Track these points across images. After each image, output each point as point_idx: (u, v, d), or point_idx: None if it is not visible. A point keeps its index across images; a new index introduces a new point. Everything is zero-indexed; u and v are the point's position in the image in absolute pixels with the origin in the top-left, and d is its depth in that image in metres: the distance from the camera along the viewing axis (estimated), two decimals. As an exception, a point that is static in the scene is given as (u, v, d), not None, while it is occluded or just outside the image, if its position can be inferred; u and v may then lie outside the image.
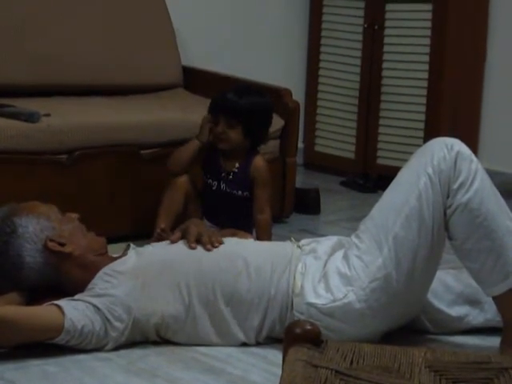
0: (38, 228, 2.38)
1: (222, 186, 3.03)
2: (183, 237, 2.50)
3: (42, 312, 2.26)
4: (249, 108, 2.97)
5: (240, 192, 3.02)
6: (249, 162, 3.02)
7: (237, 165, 3.02)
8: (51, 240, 2.37)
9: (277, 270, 2.39)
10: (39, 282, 2.38)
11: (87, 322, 2.26)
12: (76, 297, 2.33)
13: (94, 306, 2.29)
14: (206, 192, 3.06)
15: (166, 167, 3.07)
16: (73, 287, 2.37)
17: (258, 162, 3.03)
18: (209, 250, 2.43)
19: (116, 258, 2.45)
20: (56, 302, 2.28)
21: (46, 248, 2.37)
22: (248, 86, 3.15)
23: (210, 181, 3.04)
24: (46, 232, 2.38)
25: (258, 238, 2.93)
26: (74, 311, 2.26)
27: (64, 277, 2.40)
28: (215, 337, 2.38)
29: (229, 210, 3.01)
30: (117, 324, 2.30)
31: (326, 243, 2.51)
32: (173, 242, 2.49)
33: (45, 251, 2.37)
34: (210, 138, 3.01)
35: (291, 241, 2.56)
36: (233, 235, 2.67)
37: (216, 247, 2.44)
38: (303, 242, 2.54)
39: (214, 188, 3.04)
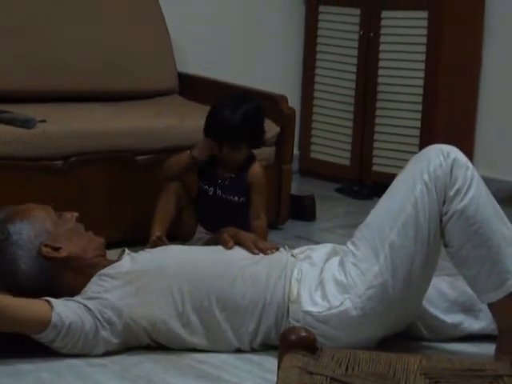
0: (32, 234, 2.37)
1: (218, 191, 3.02)
2: (237, 244, 2.51)
3: (31, 304, 2.26)
4: (247, 123, 2.94)
5: (236, 198, 3.02)
6: (246, 168, 3.02)
7: (234, 170, 3.02)
8: (45, 245, 2.37)
9: (272, 275, 2.38)
10: (35, 287, 2.37)
11: (76, 319, 2.26)
12: (69, 298, 2.33)
13: (85, 306, 2.29)
14: (202, 198, 3.06)
15: (161, 170, 3.08)
16: (69, 291, 2.37)
17: (255, 168, 3.03)
18: (268, 254, 2.45)
19: (112, 262, 2.45)
20: (47, 298, 2.28)
21: (40, 254, 2.36)
22: (234, 97, 3.04)
23: (206, 186, 3.04)
24: (40, 238, 2.37)
25: (254, 245, 2.92)
26: (64, 307, 2.26)
27: (60, 281, 2.39)
28: (208, 342, 2.37)
29: (224, 216, 3.01)
30: (106, 325, 2.30)
31: (320, 251, 2.51)
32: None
33: (39, 257, 2.36)
34: (206, 157, 3.00)
35: (285, 249, 2.56)
36: (235, 234, 2.63)
37: (273, 253, 2.46)
38: (297, 250, 2.53)
39: (210, 194, 3.03)
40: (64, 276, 2.39)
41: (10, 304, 2.23)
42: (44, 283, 2.38)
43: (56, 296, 2.33)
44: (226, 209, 3.02)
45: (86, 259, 2.42)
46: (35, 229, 2.38)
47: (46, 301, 2.27)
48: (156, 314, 2.33)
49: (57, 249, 2.38)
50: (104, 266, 2.41)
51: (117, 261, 2.46)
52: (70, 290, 2.37)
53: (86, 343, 2.29)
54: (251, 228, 3.01)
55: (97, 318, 2.29)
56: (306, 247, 2.56)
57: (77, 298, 2.33)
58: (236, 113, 2.93)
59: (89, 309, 2.29)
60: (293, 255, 2.49)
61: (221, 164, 3.01)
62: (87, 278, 2.37)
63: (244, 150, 2.98)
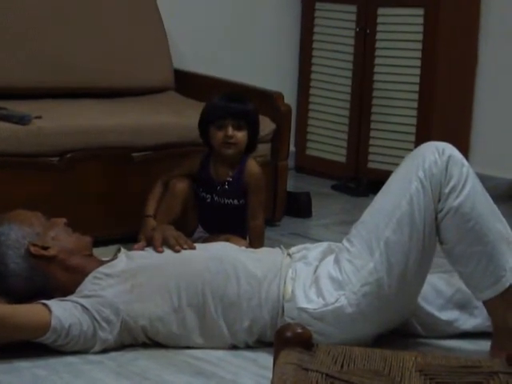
0: (20, 235, 2.37)
1: (216, 198, 2.99)
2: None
3: (29, 310, 2.26)
4: (253, 111, 2.98)
5: (236, 201, 2.99)
6: (242, 167, 2.99)
7: (230, 173, 2.99)
8: (34, 245, 2.37)
9: (267, 275, 2.39)
10: (28, 290, 2.37)
11: (75, 320, 2.26)
12: (64, 298, 2.33)
13: (82, 305, 2.29)
14: (200, 204, 3.03)
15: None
16: (61, 291, 2.37)
17: (252, 167, 2.99)
18: (177, 250, 2.45)
19: (105, 262, 2.45)
20: (43, 301, 2.28)
21: (29, 253, 2.36)
22: (238, 92, 3.12)
23: (204, 194, 3.01)
24: (28, 238, 2.37)
25: (251, 244, 2.91)
26: (62, 310, 2.26)
27: (51, 281, 2.39)
28: (204, 340, 2.38)
29: (225, 220, 2.99)
30: (104, 325, 2.30)
31: (316, 250, 2.51)
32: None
33: (28, 257, 2.36)
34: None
35: (281, 248, 2.56)
36: (226, 241, 2.67)
37: (185, 248, 2.45)
38: (293, 249, 2.53)
39: (208, 201, 3.01)
40: (56, 275, 2.39)
41: (15, 312, 2.23)
42: (36, 284, 2.38)
43: (50, 297, 2.33)
44: (226, 213, 2.99)
45: (76, 258, 2.42)
46: (23, 230, 2.38)
47: (43, 304, 2.26)
48: (152, 310, 2.33)
49: (45, 248, 2.38)
50: (96, 265, 2.41)
51: (112, 260, 2.46)
52: (62, 290, 2.37)
53: (84, 343, 2.30)
54: (249, 228, 3.00)
55: (94, 318, 2.29)
56: (302, 246, 2.56)
57: (72, 297, 2.33)
58: (243, 100, 2.98)
59: (86, 308, 2.29)
60: (289, 254, 2.49)
61: (214, 165, 2.99)
62: (79, 276, 2.37)
63: (246, 137, 2.95)
